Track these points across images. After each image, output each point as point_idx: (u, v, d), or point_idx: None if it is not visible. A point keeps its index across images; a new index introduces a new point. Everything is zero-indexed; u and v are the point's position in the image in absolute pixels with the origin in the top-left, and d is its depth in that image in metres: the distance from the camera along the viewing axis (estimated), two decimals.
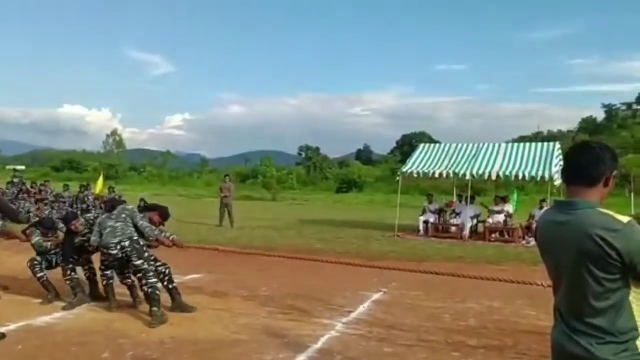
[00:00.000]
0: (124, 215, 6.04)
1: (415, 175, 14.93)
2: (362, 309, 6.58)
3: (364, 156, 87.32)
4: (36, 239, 6.55)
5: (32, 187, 20.44)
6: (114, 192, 19.94)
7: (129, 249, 5.83)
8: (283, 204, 32.53)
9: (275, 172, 40.18)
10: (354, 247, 12.44)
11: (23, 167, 55.40)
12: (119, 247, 5.84)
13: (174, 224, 16.82)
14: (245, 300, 6.88)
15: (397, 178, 15.37)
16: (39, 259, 6.58)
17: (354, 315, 6.24)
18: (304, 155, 67.33)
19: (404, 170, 15.12)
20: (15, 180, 21.07)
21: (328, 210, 26.39)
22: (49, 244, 6.61)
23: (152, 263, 6.05)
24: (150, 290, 5.75)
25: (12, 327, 5.37)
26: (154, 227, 6.21)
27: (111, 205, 6.46)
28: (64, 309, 6.12)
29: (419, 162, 15.39)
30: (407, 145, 76.16)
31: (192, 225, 16.38)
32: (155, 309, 5.68)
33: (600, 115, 73.84)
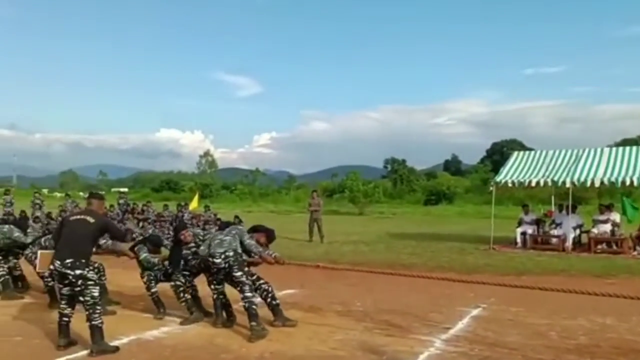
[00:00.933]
0: (233, 232, 6.36)
1: (510, 185, 14.28)
2: (460, 325, 6.36)
3: (452, 166, 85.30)
4: (144, 255, 6.95)
5: (134, 207, 21.92)
6: (209, 210, 20.84)
7: (231, 259, 6.06)
8: (370, 217, 32.35)
9: (362, 185, 40.10)
10: (447, 260, 12.09)
11: (126, 190, 59.56)
12: (222, 256, 6.10)
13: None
14: (340, 315, 6.88)
15: (490, 188, 14.78)
16: (153, 273, 6.97)
17: (452, 331, 6.04)
18: (389, 168, 66.88)
19: (498, 179, 14.53)
20: (121, 201, 22.67)
21: (417, 223, 25.90)
22: (157, 259, 7.00)
23: (251, 278, 6.23)
24: (247, 304, 5.92)
25: (125, 340, 5.71)
26: (259, 246, 6.39)
27: (225, 225, 6.78)
28: (181, 323, 6.46)
29: (513, 171, 14.74)
30: (497, 154, 73.51)
31: (283, 241, 16.67)
32: (254, 323, 5.83)
33: None
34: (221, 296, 6.44)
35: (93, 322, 5.25)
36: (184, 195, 50.64)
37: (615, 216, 14.16)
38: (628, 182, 12.87)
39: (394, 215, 34.61)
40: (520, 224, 15.14)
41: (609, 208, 14.41)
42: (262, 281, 6.44)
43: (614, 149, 14.89)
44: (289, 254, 12.05)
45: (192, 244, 6.83)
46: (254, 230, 6.79)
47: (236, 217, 17.97)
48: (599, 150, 14.74)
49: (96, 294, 5.36)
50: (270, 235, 6.77)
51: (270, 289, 6.41)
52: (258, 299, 6.19)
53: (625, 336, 5.88)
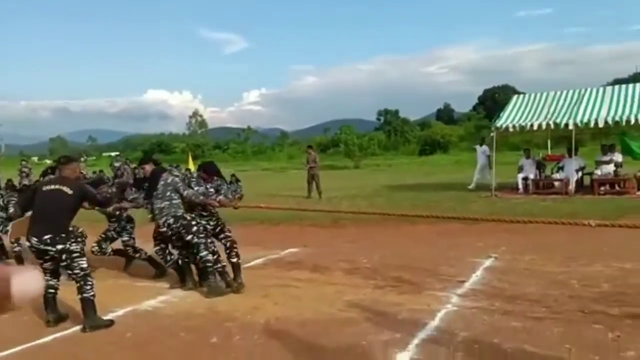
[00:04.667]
0: (168, 193, 6.00)
1: (511, 130, 13.81)
2: (474, 277, 6.04)
3: (445, 115, 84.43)
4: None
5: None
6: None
7: (174, 226, 5.93)
8: (367, 170, 31.98)
9: (356, 139, 39.59)
10: (450, 210, 11.76)
11: (117, 154, 58.73)
12: (165, 224, 5.97)
13: (266, 197, 16.90)
14: (347, 273, 6.54)
15: (491, 134, 14.30)
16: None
17: (467, 285, 5.72)
18: (382, 119, 66.18)
19: (498, 124, 14.04)
20: (117, 164, 21.82)
21: (414, 174, 25.56)
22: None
23: (203, 236, 5.94)
24: (202, 263, 5.86)
25: (120, 312, 5.35)
26: (198, 193, 6.10)
27: (154, 177, 6.21)
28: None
29: (513, 115, 14.23)
30: (489, 101, 72.73)
31: (281, 198, 16.34)
32: (210, 280, 5.80)
33: None
34: (185, 259, 6.23)
35: (84, 295, 4.87)
36: (176, 157, 50.06)
37: (618, 156, 13.82)
38: (633, 121, 12.45)
39: (389, 167, 34.30)
40: (521, 169, 14.77)
41: (612, 148, 14.05)
42: (222, 235, 6.26)
43: (616, 87, 14.39)
44: (288, 212, 11.66)
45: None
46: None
47: (233, 175, 17.52)
48: (601, 89, 14.25)
49: (85, 265, 4.96)
50: (206, 169, 6.50)
51: (229, 244, 6.20)
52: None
53: None
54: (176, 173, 9.23)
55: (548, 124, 13.30)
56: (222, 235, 6.26)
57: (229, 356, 4.12)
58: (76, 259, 4.87)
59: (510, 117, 14.19)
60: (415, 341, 4.12)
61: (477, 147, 17.63)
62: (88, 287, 4.90)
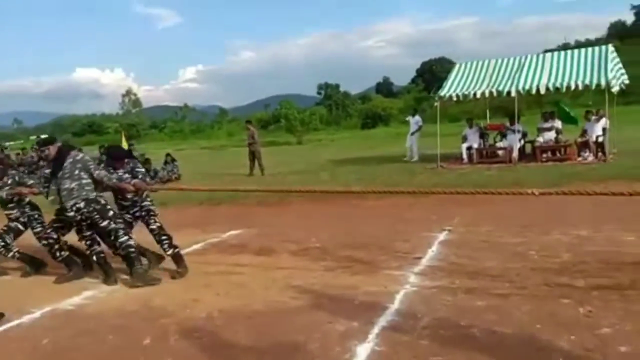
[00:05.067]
0: (77, 172, 5.30)
1: (455, 99, 13.68)
2: (431, 253, 5.70)
3: (384, 89, 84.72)
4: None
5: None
6: (133, 149, 19.15)
7: (85, 210, 5.28)
8: (310, 146, 31.47)
9: (297, 114, 38.90)
10: (397, 182, 11.50)
11: (45, 136, 55.43)
12: (74, 208, 5.29)
13: (205, 176, 16.15)
14: (295, 255, 6.06)
15: (435, 104, 14.10)
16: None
17: (424, 261, 5.37)
18: (323, 94, 65.58)
19: (442, 93, 13.84)
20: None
21: (357, 148, 25.24)
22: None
23: (120, 221, 5.43)
24: (123, 250, 5.34)
25: (37, 314, 4.64)
26: (110, 175, 5.47)
27: (59, 158, 5.44)
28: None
29: (456, 84, 14.09)
30: (427, 73, 73.48)
31: (222, 177, 15.65)
32: (136, 266, 5.30)
33: (629, 19, 69.88)
34: (97, 248, 5.54)
35: None
36: (108, 137, 47.77)
37: (558, 123, 13.97)
38: (573, 87, 12.54)
39: (332, 142, 33.93)
40: (465, 139, 14.71)
41: (552, 115, 14.18)
42: (152, 226, 5.64)
43: (555, 54, 14.48)
44: (231, 193, 11.03)
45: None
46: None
47: (168, 154, 16.64)
48: (541, 56, 14.32)
49: None
50: (115, 155, 5.82)
51: (164, 237, 5.61)
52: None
53: (606, 248, 5.42)
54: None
55: (491, 92, 13.24)
56: (148, 228, 5.64)
57: None
58: None
59: (453, 87, 14.04)
60: (375, 330, 3.70)
61: (410, 117, 17.47)
62: None
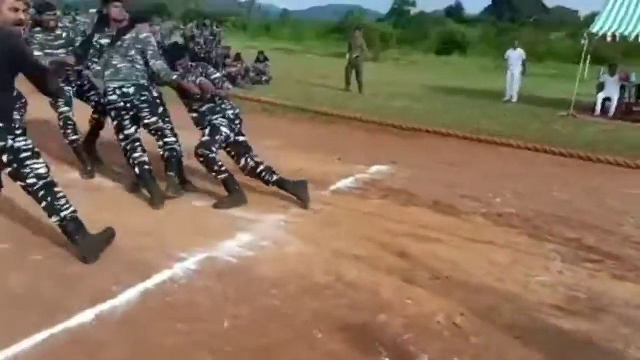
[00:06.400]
0: (132, 52, 4.30)
1: (610, 39, 11.43)
2: None
3: (455, 14, 79.05)
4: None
5: None
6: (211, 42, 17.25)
7: (135, 99, 4.36)
8: (389, 65, 29.18)
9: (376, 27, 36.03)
10: (535, 130, 9.77)
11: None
12: (118, 92, 4.33)
13: (297, 84, 14.56)
14: (495, 224, 4.54)
15: (583, 41, 11.86)
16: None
17: None
18: (397, 7, 61.55)
19: (594, 30, 11.56)
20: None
21: (449, 75, 22.75)
22: None
23: (169, 120, 4.64)
24: (167, 152, 4.51)
25: (189, 261, 3.43)
26: (171, 70, 4.30)
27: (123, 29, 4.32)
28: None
29: (612, 20, 11.67)
30: (505, 3, 67.56)
31: (315, 89, 14.02)
32: (171, 173, 4.49)
33: None
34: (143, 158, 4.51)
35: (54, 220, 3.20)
36: None
37: None
38: None
39: (413, 63, 31.45)
40: (601, 87, 12.62)
41: None
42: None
43: None
44: (333, 106, 9.54)
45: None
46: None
47: (261, 52, 15.00)
48: None
49: (43, 171, 3.09)
50: (173, 55, 4.50)
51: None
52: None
53: None
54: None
55: None
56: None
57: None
58: (27, 163, 3.04)
59: (608, 23, 11.63)
60: None
61: (510, 50, 14.73)
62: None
